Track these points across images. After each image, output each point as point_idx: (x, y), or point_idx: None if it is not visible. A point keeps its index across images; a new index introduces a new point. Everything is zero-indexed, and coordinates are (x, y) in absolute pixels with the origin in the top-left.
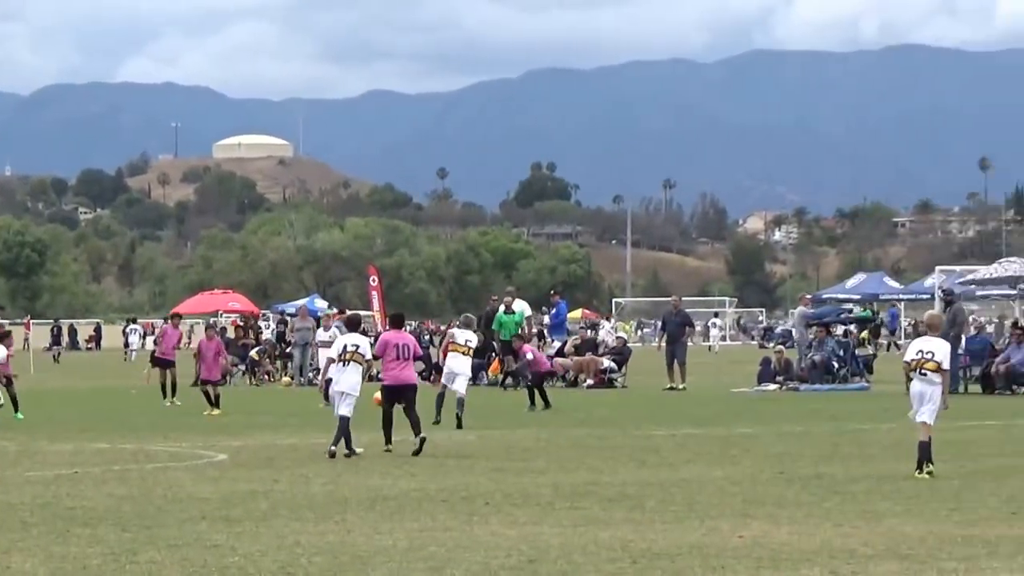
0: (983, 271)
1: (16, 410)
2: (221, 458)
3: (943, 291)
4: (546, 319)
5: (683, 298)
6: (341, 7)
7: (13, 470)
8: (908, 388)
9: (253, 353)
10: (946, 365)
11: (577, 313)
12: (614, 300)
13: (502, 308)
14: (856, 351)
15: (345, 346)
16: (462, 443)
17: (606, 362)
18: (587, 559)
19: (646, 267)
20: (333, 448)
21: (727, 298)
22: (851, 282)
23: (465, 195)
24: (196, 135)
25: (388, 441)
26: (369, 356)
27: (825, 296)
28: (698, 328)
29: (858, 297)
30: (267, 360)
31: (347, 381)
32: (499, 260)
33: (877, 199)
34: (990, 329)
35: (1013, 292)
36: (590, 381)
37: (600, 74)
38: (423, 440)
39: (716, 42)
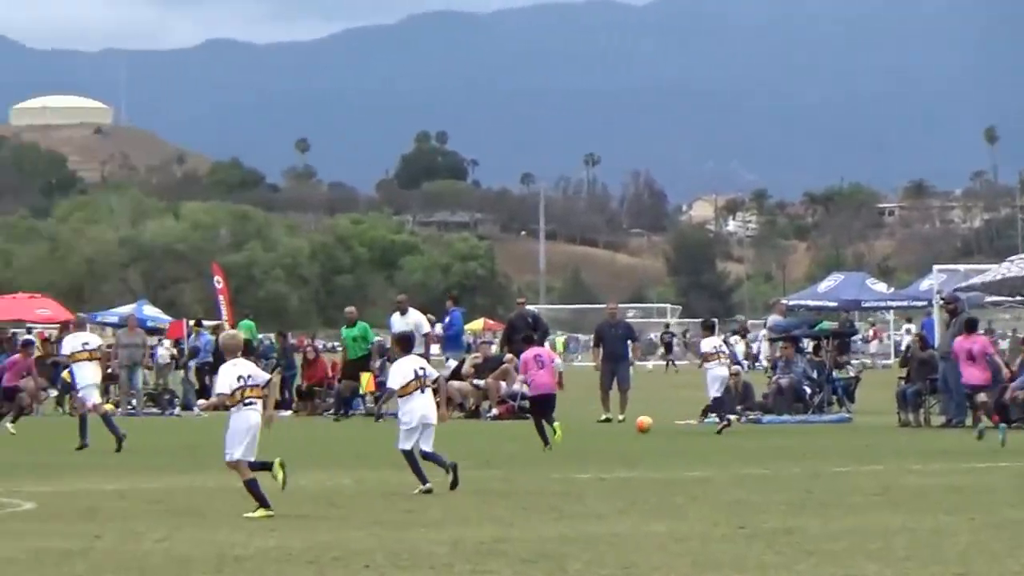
0: (993, 271)
1: None
2: (28, 507)
3: (944, 298)
4: (438, 329)
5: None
6: None
7: None
8: None
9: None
10: None
11: (478, 323)
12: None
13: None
14: (834, 373)
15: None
16: (333, 490)
17: (517, 386)
18: None
19: (565, 265)
20: None
21: (669, 305)
22: (825, 284)
23: (332, 174)
24: None
25: None
26: None
27: (792, 303)
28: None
29: (834, 304)
30: None
31: None
32: (377, 256)
33: (857, 180)
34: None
35: None
36: (495, 411)
37: (500, 19)
38: None
39: None
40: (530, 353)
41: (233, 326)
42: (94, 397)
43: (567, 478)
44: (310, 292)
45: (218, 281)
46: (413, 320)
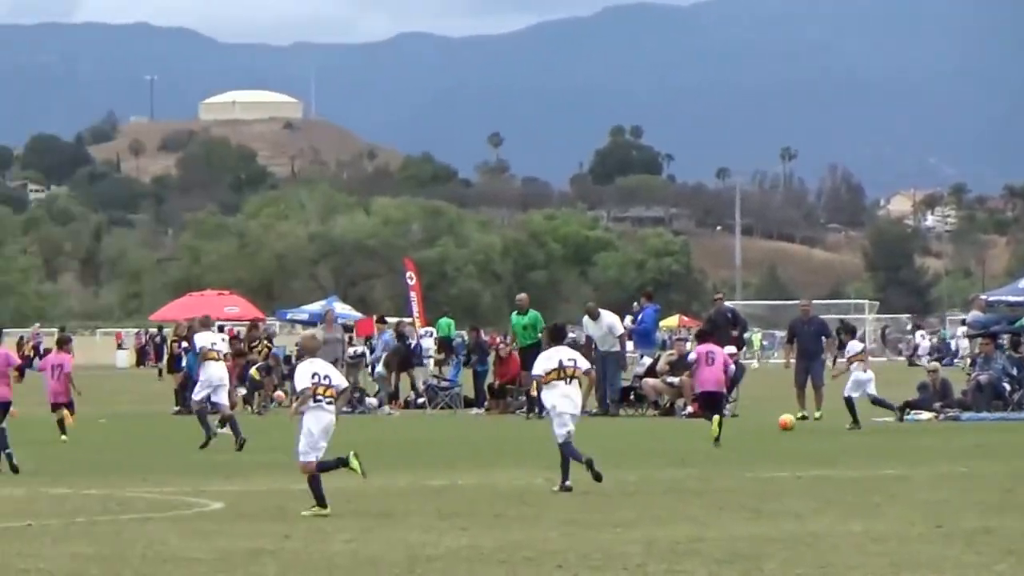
0: None
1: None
2: (216, 507)
3: None
4: (627, 321)
5: (811, 300)
6: None
7: None
8: None
9: (254, 371)
10: None
11: (673, 320)
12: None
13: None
14: None
15: None
16: (525, 488)
17: None
18: None
19: (761, 261)
20: None
21: (866, 301)
22: None
23: (526, 168)
24: (178, 91)
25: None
26: None
27: (992, 298)
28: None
29: None
30: (273, 381)
31: None
32: (571, 252)
33: None
34: None
35: None
36: (690, 408)
37: (698, 11)
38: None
39: None
40: (702, 348)
41: (425, 323)
42: (222, 397)
43: (763, 477)
44: (503, 289)
45: (410, 277)
46: (606, 323)
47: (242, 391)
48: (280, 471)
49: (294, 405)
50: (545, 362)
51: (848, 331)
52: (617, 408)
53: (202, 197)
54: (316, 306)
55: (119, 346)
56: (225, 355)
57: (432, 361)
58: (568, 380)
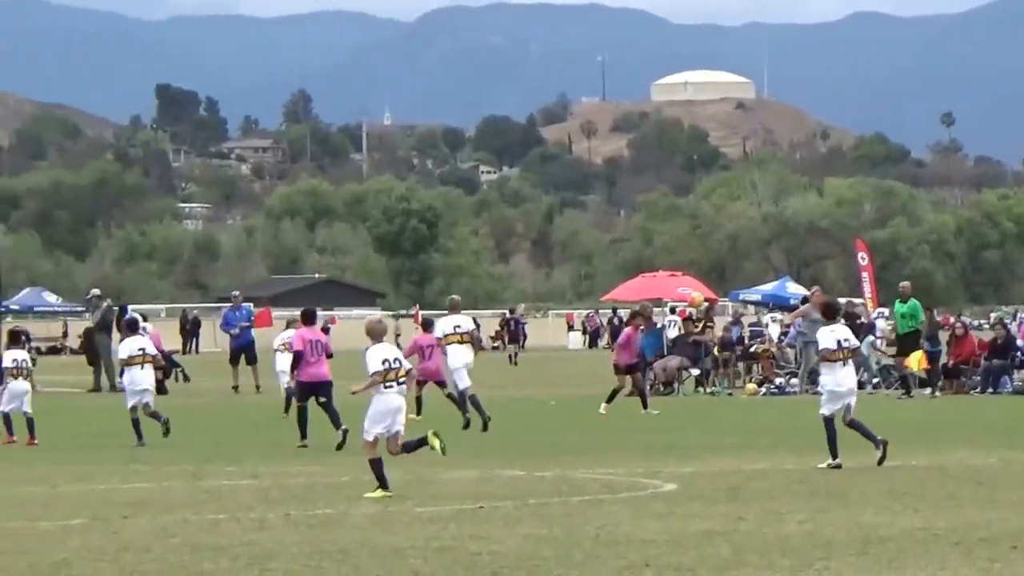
0: None
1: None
2: (669, 488)
3: None
4: None
5: None
6: None
7: (401, 504)
8: None
9: (716, 351)
10: None
11: None
12: None
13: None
14: None
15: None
16: (979, 468)
17: None
18: None
19: None
20: None
21: None
22: None
23: (979, 148)
24: (630, 72)
25: (304, 436)
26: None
27: None
28: None
29: None
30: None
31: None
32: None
33: None
34: None
35: None
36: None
37: None
38: (345, 432)
39: None
40: None
41: (877, 303)
42: (464, 381)
43: None
44: (956, 269)
45: (863, 258)
46: None
47: (695, 371)
48: (733, 452)
49: (360, 386)
50: (826, 340)
51: None
52: None
53: (654, 178)
54: (769, 287)
55: (570, 327)
56: (471, 334)
57: (883, 342)
58: (844, 361)
